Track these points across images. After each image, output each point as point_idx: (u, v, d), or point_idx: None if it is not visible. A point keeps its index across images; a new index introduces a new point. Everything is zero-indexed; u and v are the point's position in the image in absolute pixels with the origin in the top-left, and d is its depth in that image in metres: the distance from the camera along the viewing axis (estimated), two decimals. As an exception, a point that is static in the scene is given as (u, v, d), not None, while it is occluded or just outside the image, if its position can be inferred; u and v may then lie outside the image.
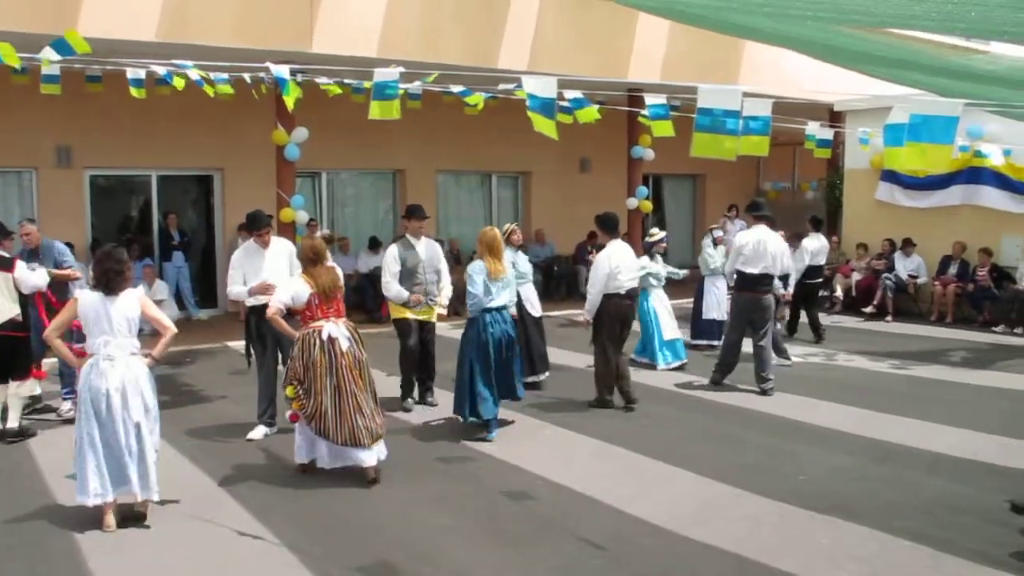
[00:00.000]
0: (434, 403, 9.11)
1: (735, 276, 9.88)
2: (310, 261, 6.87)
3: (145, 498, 5.92)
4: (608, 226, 9.03)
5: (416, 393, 9.20)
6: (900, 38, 7.28)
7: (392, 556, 5.42)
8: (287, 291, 6.82)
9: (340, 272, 7.09)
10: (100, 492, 5.79)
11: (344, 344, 6.65)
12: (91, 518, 5.88)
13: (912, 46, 7.08)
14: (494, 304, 7.84)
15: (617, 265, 8.68)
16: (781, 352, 11.11)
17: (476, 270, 7.81)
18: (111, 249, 6.05)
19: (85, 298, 5.91)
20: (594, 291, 8.73)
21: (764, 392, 9.57)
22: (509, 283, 8.06)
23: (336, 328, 6.69)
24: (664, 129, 8.88)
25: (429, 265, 8.86)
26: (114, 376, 5.81)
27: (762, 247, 9.64)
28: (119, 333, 5.87)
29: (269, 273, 7.79)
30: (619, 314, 8.78)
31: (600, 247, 8.62)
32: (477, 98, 11.01)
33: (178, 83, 8.89)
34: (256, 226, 8.05)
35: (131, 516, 5.95)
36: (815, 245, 12.77)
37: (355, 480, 6.73)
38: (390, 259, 8.77)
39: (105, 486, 5.80)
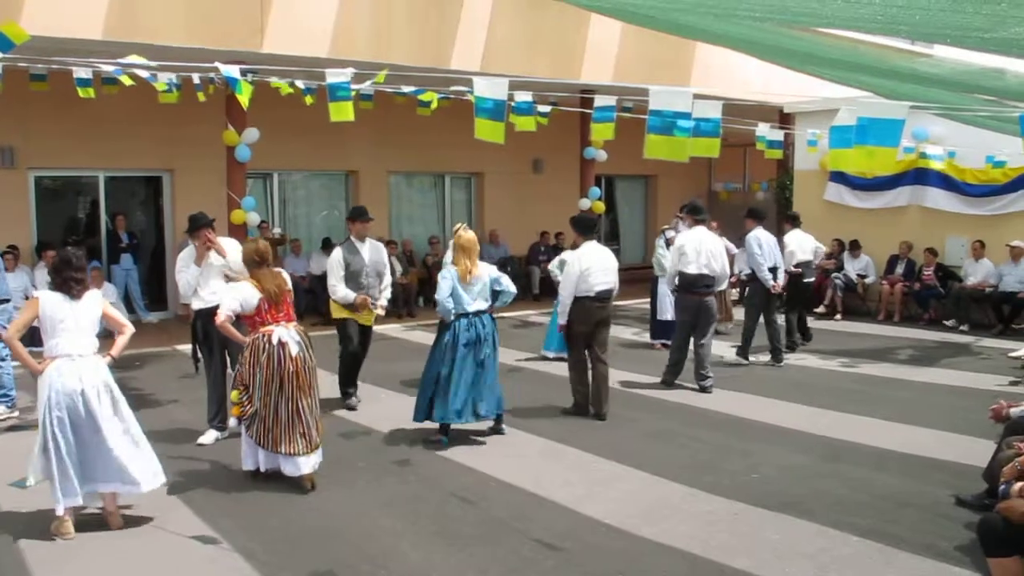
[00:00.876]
0: (355, 405, 9.12)
1: (677, 278, 9.94)
2: (255, 264, 6.75)
3: (148, 489, 5.91)
4: (582, 227, 8.86)
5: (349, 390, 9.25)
6: (846, 41, 7.39)
7: (346, 560, 5.39)
8: (235, 297, 6.66)
9: (287, 276, 7.00)
10: (73, 496, 5.69)
11: (294, 349, 6.57)
12: (36, 527, 5.77)
13: (858, 48, 7.20)
14: (470, 308, 7.64)
15: (588, 267, 8.47)
16: (744, 354, 11.21)
17: (444, 275, 7.64)
18: (69, 255, 5.89)
19: (48, 298, 5.76)
20: (565, 294, 8.57)
21: (704, 389, 9.69)
22: (486, 286, 7.76)
23: (287, 332, 6.60)
24: (604, 132, 8.92)
25: (372, 268, 8.84)
26: (85, 376, 5.71)
27: (703, 247, 9.76)
28: (84, 333, 5.78)
29: (219, 273, 7.70)
30: (586, 317, 8.53)
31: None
32: (431, 95, 10.98)
33: (125, 80, 8.70)
34: (192, 227, 7.86)
35: (104, 524, 5.86)
36: (800, 241, 12.38)
37: (301, 494, 6.67)
38: (335, 263, 8.73)
39: (75, 489, 5.70)
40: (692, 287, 9.75)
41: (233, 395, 6.62)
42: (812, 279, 12.86)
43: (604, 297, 8.61)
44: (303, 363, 6.61)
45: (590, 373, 8.74)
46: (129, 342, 6.10)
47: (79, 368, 5.72)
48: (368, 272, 8.78)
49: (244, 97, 8.90)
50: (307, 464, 6.62)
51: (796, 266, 12.09)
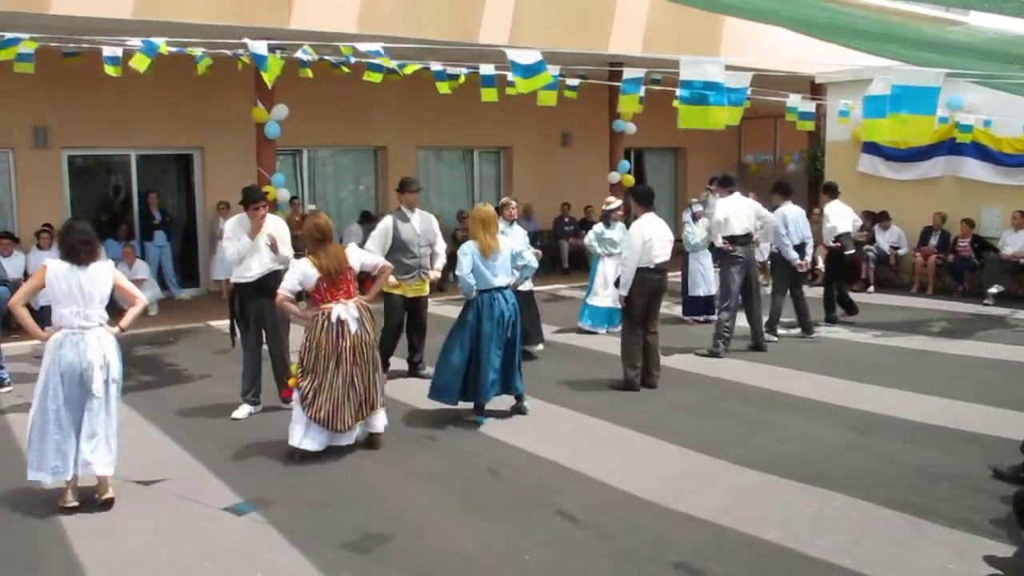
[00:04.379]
0: (429, 375, 9.09)
1: (723, 240, 10.20)
2: (316, 241, 6.74)
3: (104, 473, 5.85)
4: (642, 198, 8.85)
5: (407, 368, 9.36)
6: (876, 11, 7.29)
7: (378, 532, 5.44)
8: (295, 275, 6.76)
9: (353, 248, 7.02)
10: (60, 470, 5.75)
11: (353, 326, 6.65)
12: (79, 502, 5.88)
13: (891, 19, 7.09)
14: (493, 284, 7.59)
15: (650, 238, 8.46)
16: (772, 328, 11.08)
17: (465, 251, 7.61)
18: (74, 222, 5.98)
19: (54, 267, 5.80)
20: (629, 265, 8.48)
21: (760, 346, 10.37)
22: (507, 260, 7.71)
23: (346, 310, 6.67)
24: (630, 104, 8.88)
25: (424, 238, 8.88)
26: (86, 349, 5.74)
27: (739, 210, 10.31)
28: (90, 303, 5.80)
29: (261, 248, 7.74)
30: (647, 289, 8.55)
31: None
32: (444, 86, 11.02)
33: (141, 61, 8.61)
34: (253, 197, 7.88)
35: (93, 501, 5.86)
36: (840, 212, 12.17)
37: (340, 457, 6.75)
38: (383, 231, 8.78)
39: (67, 464, 5.76)
40: (741, 243, 10.22)
41: (293, 367, 6.80)
42: (853, 251, 12.64)
43: (662, 268, 8.62)
44: (359, 339, 6.68)
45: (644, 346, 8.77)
46: (142, 313, 6.17)
47: (82, 341, 5.75)
48: (420, 242, 8.84)
49: (269, 76, 8.92)
50: (350, 436, 6.80)
51: (836, 239, 11.96)
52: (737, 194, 10.63)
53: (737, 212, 10.26)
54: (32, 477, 5.79)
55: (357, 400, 6.69)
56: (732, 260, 10.18)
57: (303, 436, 6.68)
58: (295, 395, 6.69)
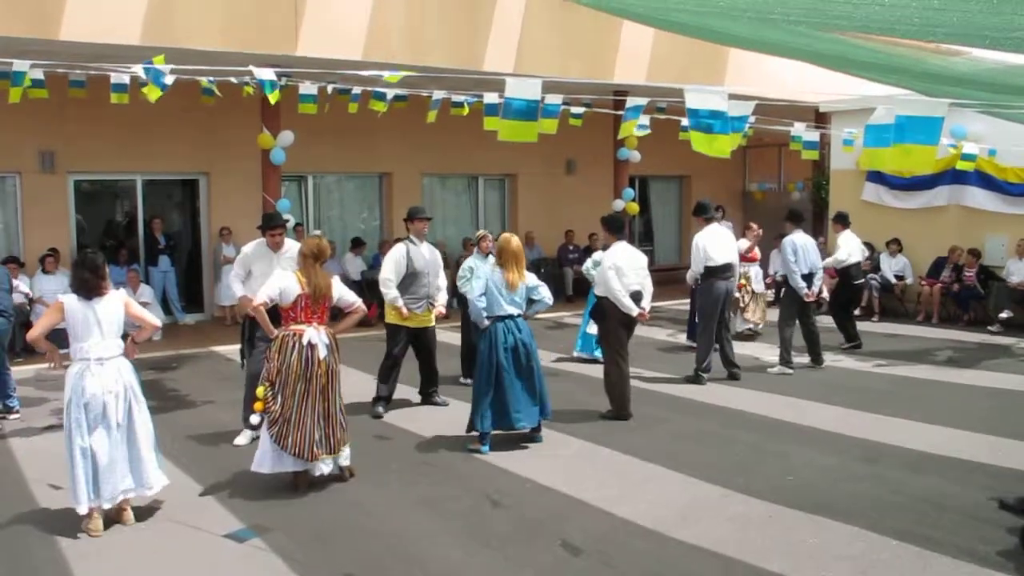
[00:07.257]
0: (444, 403, 9.16)
1: (703, 271, 10.30)
2: (312, 258, 6.70)
3: (143, 494, 6.00)
4: (613, 227, 8.90)
5: (419, 397, 9.32)
6: (881, 43, 7.31)
7: (380, 559, 5.41)
8: (276, 285, 6.64)
9: (337, 280, 6.93)
10: (93, 498, 5.80)
11: (322, 352, 6.56)
12: (76, 525, 5.85)
13: (894, 50, 7.10)
14: (503, 312, 7.60)
15: (619, 266, 8.49)
16: (787, 360, 10.92)
17: (479, 274, 7.53)
18: (85, 256, 6.05)
19: (70, 302, 5.88)
20: (616, 294, 8.44)
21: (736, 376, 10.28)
22: (524, 294, 7.72)
23: (317, 335, 6.58)
24: (628, 130, 8.92)
25: (433, 269, 8.84)
26: (107, 379, 5.81)
27: (721, 241, 10.40)
28: (108, 335, 5.88)
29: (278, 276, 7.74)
30: (624, 318, 8.57)
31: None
32: (431, 115, 11.13)
33: (151, 94, 8.59)
34: (272, 223, 7.95)
35: (116, 520, 5.94)
36: (852, 243, 12.20)
37: (342, 484, 6.73)
38: (397, 258, 8.67)
39: (98, 491, 5.81)
40: (721, 274, 10.26)
41: (259, 391, 6.54)
42: (862, 280, 12.61)
43: (638, 297, 8.60)
44: (328, 368, 6.61)
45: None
46: (153, 333, 6.25)
47: (100, 373, 5.81)
48: (430, 271, 8.78)
49: (273, 96, 9.00)
50: (330, 466, 6.67)
51: (846, 269, 11.97)
52: (714, 224, 10.65)
53: (715, 242, 10.30)
54: (75, 507, 5.81)
55: (329, 430, 6.58)
56: (713, 290, 10.26)
57: (273, 463, 6.53)
58: (264, 420, 6.49)
